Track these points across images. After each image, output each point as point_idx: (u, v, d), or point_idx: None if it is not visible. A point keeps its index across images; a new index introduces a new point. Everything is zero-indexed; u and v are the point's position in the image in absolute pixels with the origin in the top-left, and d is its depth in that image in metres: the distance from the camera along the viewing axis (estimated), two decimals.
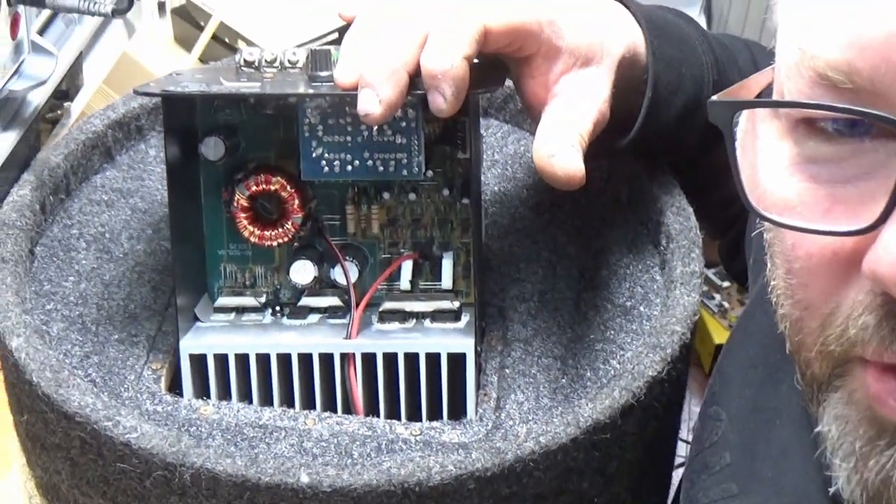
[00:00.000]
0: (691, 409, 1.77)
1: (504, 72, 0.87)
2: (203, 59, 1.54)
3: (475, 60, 0.82)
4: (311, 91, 0.84)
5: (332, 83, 0.84)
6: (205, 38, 1.54)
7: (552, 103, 0.86)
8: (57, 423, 0.82)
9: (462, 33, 0.81)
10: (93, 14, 1.03)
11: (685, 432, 1.72)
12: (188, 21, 1.61)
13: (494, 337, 0.91)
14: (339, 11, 0.87)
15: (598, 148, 0.86)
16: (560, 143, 0.83)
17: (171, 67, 1.53)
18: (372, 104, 0.80)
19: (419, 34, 0.81)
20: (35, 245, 0.95)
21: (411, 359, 0.87)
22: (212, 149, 0.86)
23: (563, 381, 0.88)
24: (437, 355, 0.86)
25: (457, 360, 0.86)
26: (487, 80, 0.85)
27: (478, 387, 0.88)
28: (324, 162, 0.87)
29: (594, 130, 0.85)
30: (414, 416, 0.88)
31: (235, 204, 0.87)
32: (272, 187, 0.87)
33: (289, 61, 0.86)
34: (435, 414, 0.87)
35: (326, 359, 0.87)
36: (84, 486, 0.84)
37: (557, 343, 0.90)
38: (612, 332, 0.90)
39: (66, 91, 1.07)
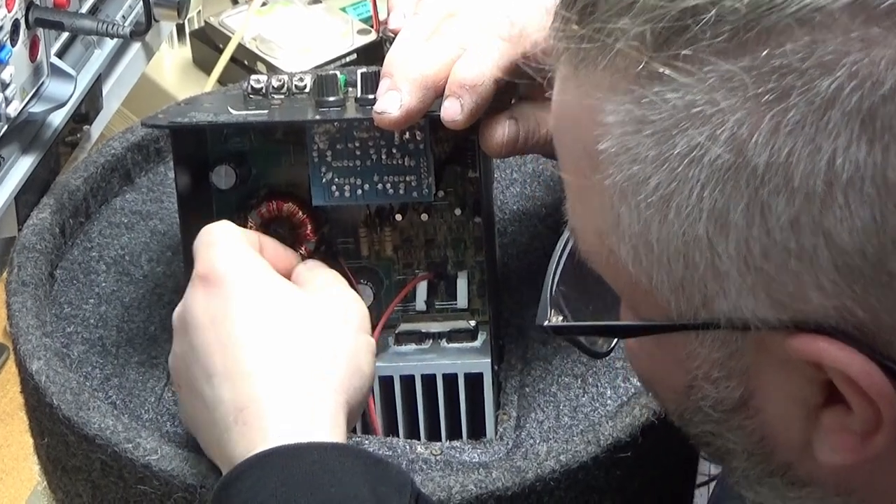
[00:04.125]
0: None
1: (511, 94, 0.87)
2: (222, 82, 1.54)
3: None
4: (318, 117, 0.84)
5: (339, 108, 0.84)
6: (223, 60, 1.54)
7: None
8: (77, 446, 0.82)
9: (501, 56, 0.81)
10: (111, 36, 1.03)
11: None
12: (207, 44, 1.60)
13: (514, 356, 0.91)
14: (390, 25, 0.87)
15: None
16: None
17: (190, 90, 1.53)
18: (392, 106, 0.80)
19: (457, 53, 0.81)
20: (55, 268, 0.95)
21: (429, 380, 0.87)
22: (222, 178, 0.86)
23: (584, 399, 0.88)
24: (455, 376, 0.86)
25: (475, 380, 0.86)
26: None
27: (498, 406, 0.87)
28: (334, 187, 0.86)
29: (545, 141, 0.84)
30: (434, 436, 0.88)
31: None
32: (284, 213, 0.87)
33: (296, 87, 0.86)
34: (455, 433, 0.87)
35: None
36: None
37: (577, 361, 0.90)
38: None
39: (85, 114, 1.07)
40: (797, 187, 0.54)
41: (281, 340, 0.78)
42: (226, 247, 0.81)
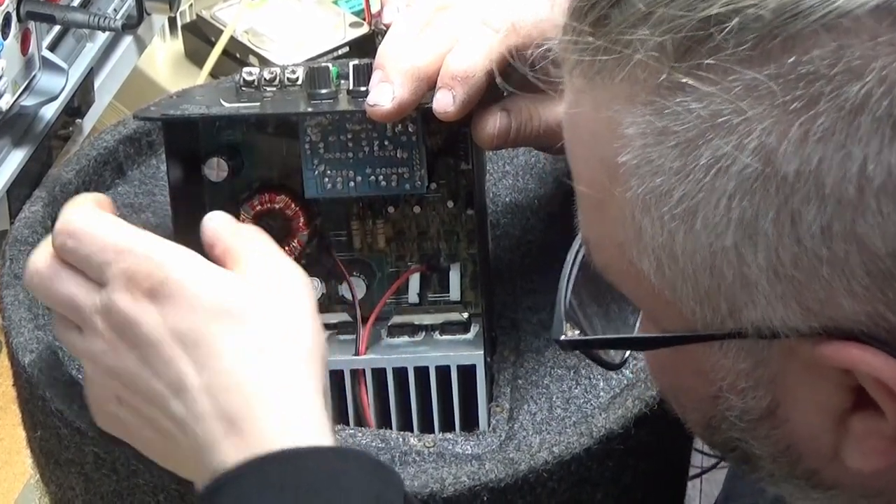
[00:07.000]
0: None
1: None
2: (214, 75, 1.53)
3: None
4: (310, 109, 0.84)
5: (331, 100, 0.84)
6: (215, 53, 1.54)
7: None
8: (70, 439, 0.82)
9: (493, 48, 0.81)
10: (103, 29, 1.03)
11: (699, 442, 1.71)
12: (199, 37, 1.60)
13: (507, 348, 0.91)
14: (383, 19, 0.86)
15: None
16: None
17: (182, 83, 1.53)
18: (385, 98, 0.80)
19: (450, 45, 0.81)
20: None
21: (422, 372, 0.87)
22: (214, 170, 0.86)
23: (577, 391, 0.88)
24: (448, 368, 0.86)
25: (467, 372, 0.86)
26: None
27: (491, 398, 0.87)
28: (326, 179, 0.86)
29: (536, 135, 0.84)
30: (426, 428, 0.88)
31: None
32: (276, 206, 0.86)
33: (288, 79, 0.86)
34: (447, 426, 0.87)
35: (337, 375, 0.87)
36: (98, 502, 0.84)
37: (570, 354, 0.90)
38: None
39: (77, 107, 1.07)
40: (828, 194, 0.53)
41: (258, 343, 0.74)
42: (163, 250, 0.77)
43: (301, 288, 0.77)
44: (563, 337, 0.67)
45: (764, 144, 0.53)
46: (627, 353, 0.75)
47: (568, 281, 0.69)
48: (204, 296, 0.75)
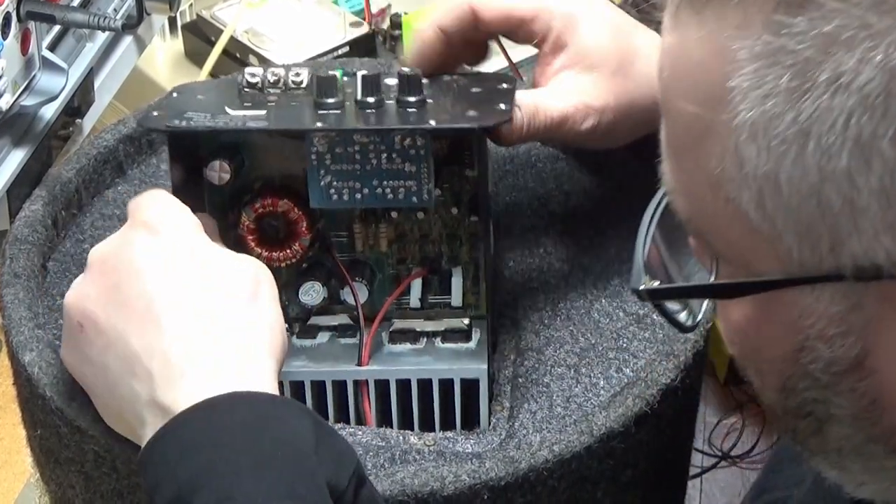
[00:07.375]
0: (705, 419, 1.76)
1: (507, 111, 0.86)
2: (214, 75, 1.53)
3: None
4: (318, 124, 0.83)
5: (339, 111, 0.83)
6: (215, 53, 1.54)
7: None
8: (70, 437, 0.82)
9: (446, 7, 0.87)
10: (103, 29, 1.03)
11: (699, 441, 1.71)
12: (199, 36, 1.60)
13: (507, 347, 0.91)
14: None
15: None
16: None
17: (182, 83, 1.53)
18: None
19: None
20: (47, 260, 0.95)
21: (425, 383, 0.87)
22: (216, 173, 0.85)
23: (577, 389, 0.88)
24: (451, 381, 0.86)
25: (471, 383, 0.86)
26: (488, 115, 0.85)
27: (491, 397, 0.87)
28: (332, 190, 0.85)
29: (546, 127, 0.87)
30: (427, 427, 0.88)
31: (242, 227, 0.86)
32: (279, 209, 0.86)
33: (293, 82, 0.86)
34: (448, 426, 0.87)
35: (339, 385, 0.87)
36: (98, 501, 0.84)
37: (570, 352, 0.90)
38: (626, 340, 0.90)
39: (77, 107, 1.07)
40: None
41: (231, 299, 0.77)
42: (173, 206, 0.81)
43: (276, 292, 0.80)
44: (641, 286, 0.65)
45: (889, 58, 0.52)
46: (700, 316, 0.72)
47: (647, 232, 0.67)
48: (193, 243, 0.79)
